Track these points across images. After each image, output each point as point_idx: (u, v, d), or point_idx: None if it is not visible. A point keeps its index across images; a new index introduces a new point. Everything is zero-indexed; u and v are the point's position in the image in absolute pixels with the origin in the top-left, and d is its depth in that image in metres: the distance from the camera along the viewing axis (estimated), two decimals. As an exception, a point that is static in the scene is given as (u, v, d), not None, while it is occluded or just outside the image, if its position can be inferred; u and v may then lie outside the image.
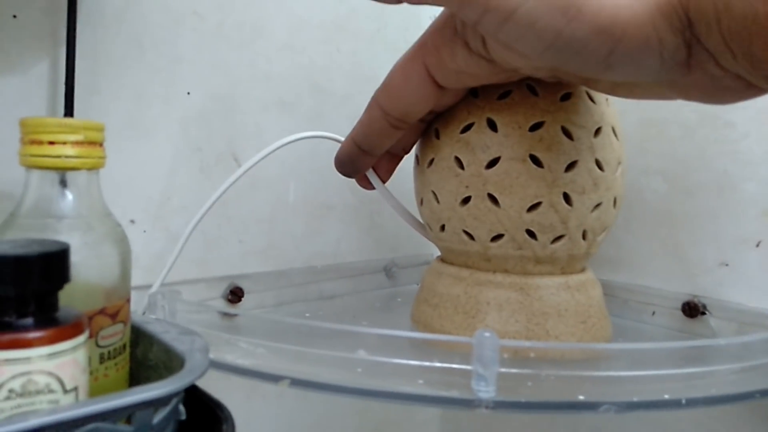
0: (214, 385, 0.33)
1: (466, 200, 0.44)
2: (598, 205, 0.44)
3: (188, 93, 0.49)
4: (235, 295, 0.53)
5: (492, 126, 0.43)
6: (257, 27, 0.53)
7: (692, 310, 0.51)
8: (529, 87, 0.43)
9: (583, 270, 0.48)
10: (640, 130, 0.54)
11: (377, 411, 0.67)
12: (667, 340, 0.51)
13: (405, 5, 0.34)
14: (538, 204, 0.42)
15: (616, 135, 0.45)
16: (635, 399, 0.35)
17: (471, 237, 0.45)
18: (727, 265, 0.50)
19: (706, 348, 0.44)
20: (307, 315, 0.54)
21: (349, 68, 0.60)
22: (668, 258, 0.53)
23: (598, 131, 0.43)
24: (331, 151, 0.60)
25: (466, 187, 0.44)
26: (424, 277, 0.51)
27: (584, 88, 0.44)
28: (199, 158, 0.50)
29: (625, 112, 0.54)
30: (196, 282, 0.51)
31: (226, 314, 0.45)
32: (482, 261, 0.46)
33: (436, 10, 0.73)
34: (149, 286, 0.47)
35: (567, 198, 0.43)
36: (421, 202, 0.49)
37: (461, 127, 0.44)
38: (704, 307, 0.50)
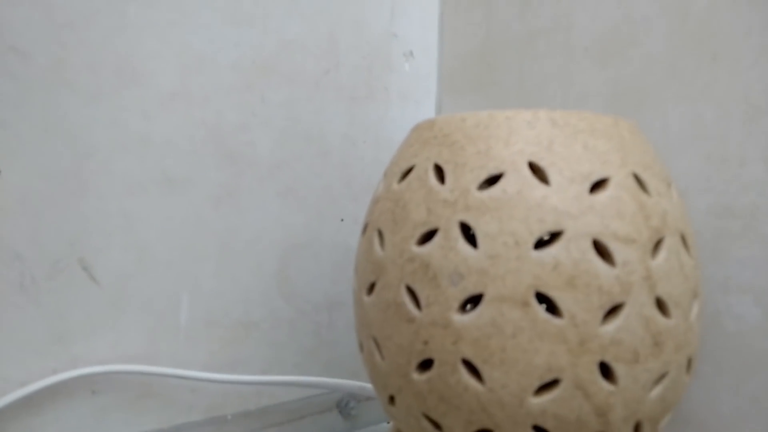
0: None
1: (427, 365, 0.25)
2: (661, 378, 0.24)
3: (-1, 172, 0.32)
4: (79, 481, 0.34)
5: (468, 236, 0.24)
6: (126, 68, 0.35)
7: None
8: (532, 167, 0.24)
9: (633, 471, 0.28)
10: (712, 222, 0.35)
11: None
12: None
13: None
14: (554, 382, 0.23)
15: (687, 248, 0.26)
16: None
17: (437, 426, 0.26)
18: None
19: None
20: None
21: (280, 126, 0.42)
22: (765, 423, 0.33)
23: (658, 245, 0.24)
24: (253, 241, 0.41)
25: (425, 342, 0.25)
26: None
27: (630, 170, 0.25)
28: (17, 270, 0.32)
29: (685, 197, 0.36)
30: (13, 465, 0.32)
31: None
32: (458, 463, 0.26)
33: (413, 47, 0.55)
34: None
35: (607, 371, 0.23)
36: (361, 348, 0.30)
37: (417, 234, 0.26)
38: None
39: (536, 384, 0.23)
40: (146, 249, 0.36)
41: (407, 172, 0.28)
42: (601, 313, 0.23)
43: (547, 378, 0.23)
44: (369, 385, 0.44)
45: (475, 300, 0.24)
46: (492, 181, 0.25)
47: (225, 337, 0.40)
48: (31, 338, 0.33)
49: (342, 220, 0.46)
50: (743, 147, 0.34)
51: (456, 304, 0.24)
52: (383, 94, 0.48)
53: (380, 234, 0.28)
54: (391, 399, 0.28)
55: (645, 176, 0.25)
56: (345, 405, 0.46)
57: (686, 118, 0.36)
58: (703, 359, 0.35)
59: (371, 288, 0.28)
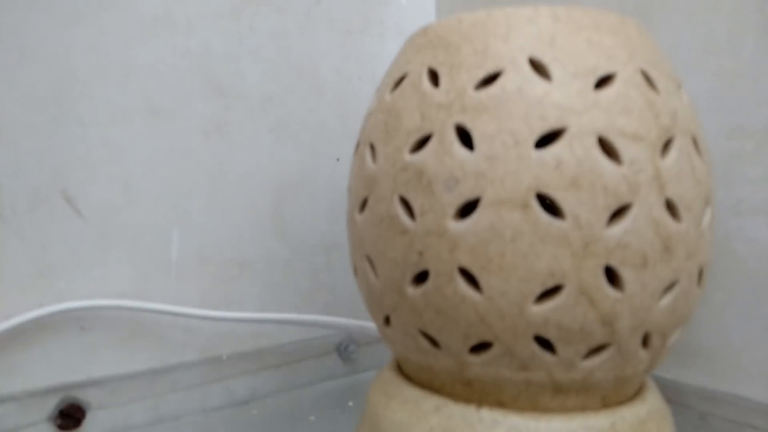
0: None
1: (422, 277, 0.24)
2: (671, 286, 0.23)
3: (-28, 95, 0.30)
4: (69, 416, 0.33)
5: (465, 139, 0.23)
6: (107, -8, 0.34)
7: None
8: (533, 63, 0.23)
9: (638, 393, 0.27)
10: (724, 142, 0.33)
11: None
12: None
13: None
14: (557, 288, 0.22)
15: (699, 152, 0.24)
16: None
17: (434, 343, 0.25)
18: None
19: None
20: (187, 448, 0.34)
21: (270, 57, 0.41)
22: (778, 351, 0.32)
23: (668, 144, 0.23)
24: (245, 176, 0.40)
25: (420, 254, 0.24)
26: (369, 393, 0.30)
27: (637, 67, 0.23)
28: (-4, 201, 0.31)
29: (700, 116, 0.34)
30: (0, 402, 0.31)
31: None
32: (458, 384, 0.25)
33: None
34: None
35: (612, 275, 0.22)
36: (355, 272, 0.29)
37: (411, 141, 0.24)
38: None
39: (537, 290, 0.22)
40: (132, 181, 0.35)
41: (399, 81, 0.26)
42: (606, 215, 0.21)
43: (549, 284, 0.22)
44: (369, 324, 0.43)
45: (470, 207, 0.23)
46: (490, 80, 0.23)
47: (218, 275, 0.39)
48: (13, 272, 0.32)
49: (338, 159, 0.45)
50: (757, 61, 0.32)
51: (452, 211, 0.23)
52: (378, 28, 0.46)
53: (372, 147, 0.26)
54: (387, 320, 0.27)
55: (653, 74, 0.23)
56: (345, 348, 0.45)
57: (697, 33, 0.34)
58: (713, 285, 0.34)
59: (363, 204, 0.26)
